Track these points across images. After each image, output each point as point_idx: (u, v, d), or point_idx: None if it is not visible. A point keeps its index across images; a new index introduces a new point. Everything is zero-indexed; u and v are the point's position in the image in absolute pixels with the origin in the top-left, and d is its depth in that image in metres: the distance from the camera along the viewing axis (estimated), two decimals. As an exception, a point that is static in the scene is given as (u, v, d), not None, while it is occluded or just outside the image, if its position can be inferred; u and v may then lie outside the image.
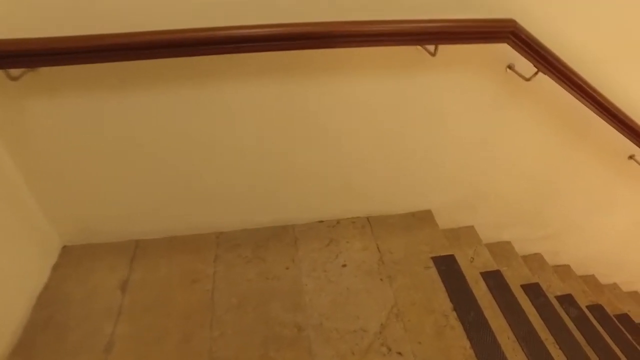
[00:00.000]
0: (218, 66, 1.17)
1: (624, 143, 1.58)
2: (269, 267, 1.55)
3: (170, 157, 1.38)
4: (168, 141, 1.33)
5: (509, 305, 1.61)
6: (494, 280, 1.70)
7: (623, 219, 2.08)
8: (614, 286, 2.47)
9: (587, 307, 2.07)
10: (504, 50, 1.27)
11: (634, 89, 1.51)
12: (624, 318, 2.18)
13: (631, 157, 1.76)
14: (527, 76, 1.35)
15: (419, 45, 1.17)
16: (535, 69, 1.32)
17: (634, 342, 1.99)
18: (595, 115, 1.44)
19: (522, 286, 1.84)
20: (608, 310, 2.14)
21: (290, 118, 1.34)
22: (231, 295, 1.47)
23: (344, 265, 1.56)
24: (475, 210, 1.85)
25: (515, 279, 1.85)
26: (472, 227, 1.89)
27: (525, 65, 1.31)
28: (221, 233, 1.66)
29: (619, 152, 1.74)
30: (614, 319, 2.05)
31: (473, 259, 1.77)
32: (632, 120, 1.49)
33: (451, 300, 1.45)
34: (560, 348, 1.62)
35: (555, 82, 1.33)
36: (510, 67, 1.39)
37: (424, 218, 1.75)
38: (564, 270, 2.21)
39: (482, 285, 1.65)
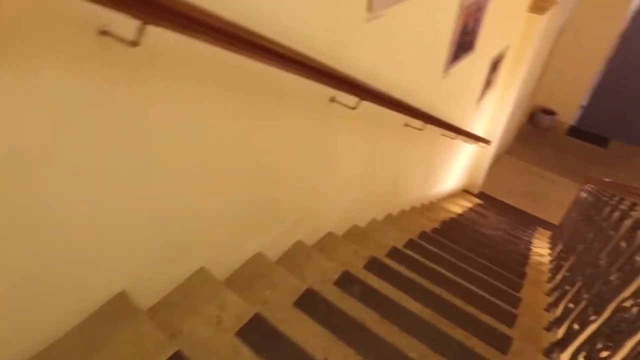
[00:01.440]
0: None
1: (318, 88, 1.22)
2: None
3: None
4: None
5: (285, 358, 1.13)
6: (257, 332, 1.18)
7: (352, 161, 1.90)
8: (373, 222, 2.41)
9: (364, 267, 1.86)
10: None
11: (307, 27, 1.12)
12: (394, 252, 2.11)
13: (332, 99, 1.48)
14: (131, 37, 0.74)
15: None
16: (139, 21, 0.72)
17: (416, 279, 1.92)
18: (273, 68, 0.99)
19: (296, 304, 1.41)
20: (380, 256, 2.00)
21: None
22: None
23: None
24: (194, 246, 1.25)
25: (284, 301, 1.40)
26: (202, 268, 1.31)
27: (125, 23, 0.69)
28: None
29: (318, 99, 1.42)
30: (388, 265, 1.92)
31: (220, 317, 1.20)
32: (315, 61, 1.12)
33: None
34: (364, 357, 1.28)
35: (188, 35, 0.77)
36: (105, 31, 0.75)
37: (118, 310, 1.04)
38: (329, 241, 1.94)
39: (245, 351, 1.10)
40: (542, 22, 3.71)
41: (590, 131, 7.64)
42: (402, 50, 1.76)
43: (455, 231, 2.93)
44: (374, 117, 1.84)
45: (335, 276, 1.64)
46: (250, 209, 1.37)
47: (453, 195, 4.46)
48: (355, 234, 2.16)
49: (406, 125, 2.18)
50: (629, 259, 1.35)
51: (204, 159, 1.08)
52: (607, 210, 2.07)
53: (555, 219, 5.12)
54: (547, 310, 2.08)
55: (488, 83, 3.63)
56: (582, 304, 1.63)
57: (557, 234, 3.95)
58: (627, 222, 1.60)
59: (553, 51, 6.72)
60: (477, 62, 2.96)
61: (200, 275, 1.30)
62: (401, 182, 2.75)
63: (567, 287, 2.01)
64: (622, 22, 6.40)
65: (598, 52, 6.79)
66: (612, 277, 1.40)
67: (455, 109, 2.99)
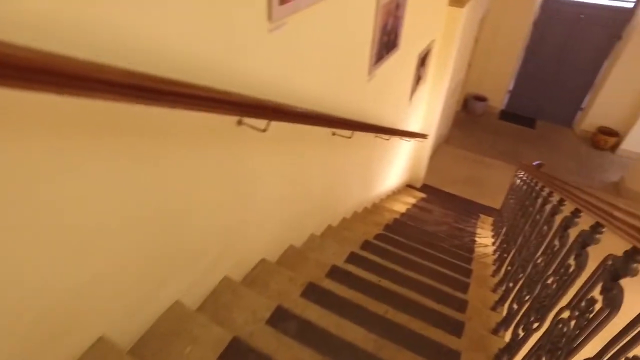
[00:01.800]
0: None
1: (215, 117, 1.06)
2: None
3: None
4: None
5: None
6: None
7: (276, 181, 1.74)
8: (311, 239, 2.27)
9: (302, 295, 1.72)
10: None
11: (193, 48, 0.95)
12: (335, 271, 1.98)
13: (240, 122, 1.31)
14: None
15: None
16: None
17: (359, 300, 1.80)
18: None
19: (221, 358, 1.23)
20: (318, 279, 1.87)
21: None
22: None
23: None
24: (87, 314, 1.04)
25: (206, 358, 1.22)
26: (102, 338, 1.09)
27: None
28: None
29: (222, 123, 1.24)
30: (328, 288, 1.78)
31: (121, 400, 1.00)
32: (203, 89, 0.94)
33: None
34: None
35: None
36: None
37: None
38: (261, 270, 1.77)
39: None
40: (463, 15, 3.76)
41: (519, 114, 8.04)
42: (316, 58, 1.63)
43: (399, 233, 2.87)
44: (295, 131, 1.70)
45: (268, 314, 1.48)
46: (154, 257, 1.17)
47: (397, 193, 4.44)
48: (291, 257, 2.00)
49: (334, 134, 2.06)
50: (562, 261, 1.30)
51: (76, 217, 0.87)
52: (539, 201, 2.07)
53: (496, 203, 5.29)
54: (493, 309, 2.05)
55: (418, 79, 3.62)
56: (525, 306, 1.59)
57: (498, 219, 4.04)
58: (558, 218, 1.58)
59: (477, 41, 6.97)
60: (403, 59, 2.91)
61: (99, 347, 1.09)
62: (338, 191, 2.64)
63: (511, 284, 1.99)
64: (533, 11, 6.78)
65: (517, 39, 7.14)
66: (549, 281, 1.36)
67: (387, 110, 2.93)
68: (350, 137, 2.06)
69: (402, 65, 2.96)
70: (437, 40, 3.83)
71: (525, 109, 8.01)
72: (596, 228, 1.15)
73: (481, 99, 7.85)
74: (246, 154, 1.42)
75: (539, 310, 1.38)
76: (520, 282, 1.81)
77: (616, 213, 0.97)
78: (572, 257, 1.25)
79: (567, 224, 1.43)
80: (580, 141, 7.37)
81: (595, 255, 1.16)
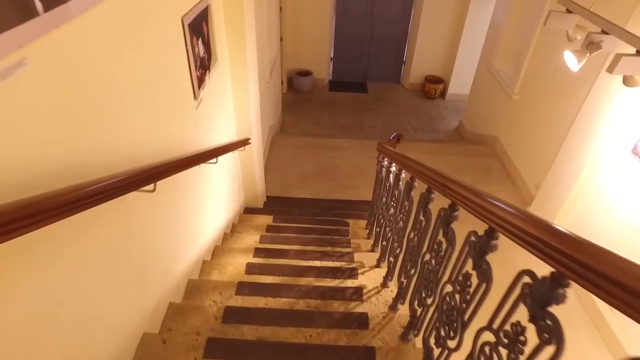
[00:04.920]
0: None
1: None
2: None
3: None
4: None
5: None
6: None
7: None
8: None
9: None
10: None
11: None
12: None
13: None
14: None
15: None
16: None
17: None
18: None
19: None
20: None
21: None
22: None
23: None
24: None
25: None
26: None
27: None
28: None
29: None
30: None
31: None
32: None
33: None
34: None
35: None
36: None
37: None
38: None
39: None
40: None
41: (348, 80, 7.42)
42: None
43: (244, 352, 1.51)
44: None
45: None
46: None
47: (231, 234, 3.03)
48: None
49: None
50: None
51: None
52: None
53: (358, 193, 4.37)
54: None
55: (202, 62, 2.22)
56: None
57: (371, 214, 3.03)
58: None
59: (282, 9, 5.91)
60: (141, 24, 1.47)
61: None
62: (95, 322, 1.11)
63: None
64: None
65: (324, 2, 6.33)
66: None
67: (132, 135, 1.46)
68: None
69: (142, 36, 1.51)
70: (216, 2, 2.47)
71: (353, 74, 7.42)
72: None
73: (305, 73, 6.93)
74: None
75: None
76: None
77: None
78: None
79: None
80: (412, 95, 7.09)
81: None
